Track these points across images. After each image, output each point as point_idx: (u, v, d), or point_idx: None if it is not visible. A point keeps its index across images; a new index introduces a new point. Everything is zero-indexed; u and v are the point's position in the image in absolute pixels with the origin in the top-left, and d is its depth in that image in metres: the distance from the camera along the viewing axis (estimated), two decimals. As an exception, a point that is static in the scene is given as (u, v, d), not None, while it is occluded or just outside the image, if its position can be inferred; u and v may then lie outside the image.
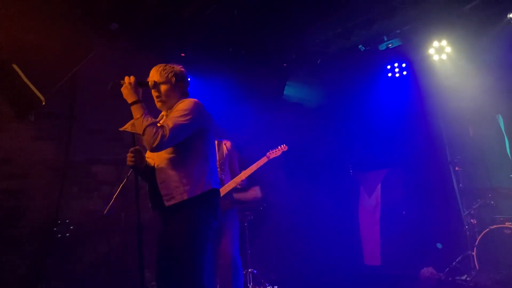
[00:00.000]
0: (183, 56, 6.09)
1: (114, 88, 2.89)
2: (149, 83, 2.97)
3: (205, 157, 2.94)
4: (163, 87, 3.00)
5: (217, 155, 4.23)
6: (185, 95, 3.12)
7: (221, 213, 4.00)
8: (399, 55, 6.64)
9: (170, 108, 3.02)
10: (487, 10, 5.40)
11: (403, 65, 6.74)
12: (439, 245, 6.32)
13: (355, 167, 7.57)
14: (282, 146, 4.59)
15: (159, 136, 2.70)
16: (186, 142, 2.86)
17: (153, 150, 2.77)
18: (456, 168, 5.88)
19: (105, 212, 4.21)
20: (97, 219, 5.42)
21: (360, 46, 6.48)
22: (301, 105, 7.45)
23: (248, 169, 4.40)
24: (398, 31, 6.08)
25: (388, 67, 6.90)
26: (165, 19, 5.25)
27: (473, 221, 5.44)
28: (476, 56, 6.04)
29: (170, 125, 2.77)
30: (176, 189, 2.81)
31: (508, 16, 5.34)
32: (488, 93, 6.13)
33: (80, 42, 5.23)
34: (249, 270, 5.08)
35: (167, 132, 2.73)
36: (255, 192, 5.30)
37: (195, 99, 2.99)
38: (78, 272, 5.35)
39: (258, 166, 4.47)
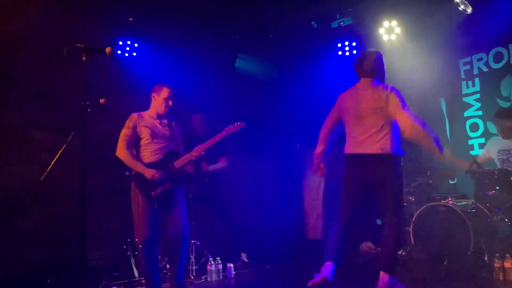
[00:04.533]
0: (131, 20, 5.87)
1: (70, 52, 2.77)
2: (106, 50, 2.87)
3: None
4: None
5: (168, 131, 4.23)
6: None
7: (172, 185, 4.01)
8: (350, 33, 6.69)
9: None
10: (436, -8, 5.53)
11: (354, 44, 6.81)
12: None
13: (303, 143, 7.65)
14: (240, 122, 4.56)
15: None
16: None
17: None
18: (399, 148, 6.05)
19: (42, 178, 4.03)
20: (35, 187, 5.19)
21: (312, 23, 6.49)
22: (252, 79, 7.40)
23: (205, 143, 4.33)
24: (351, 9, 6.13)
25: (339, 45, 6.94)
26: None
27: (411, 198, 5.65)
28: (423, 38, 6.18)
29: None
30: None
31: (454, 0, 5.47)
32: (433, 76, 6.31)
33: (20, 1, 4.92)
34: (192, 241, 5.06)
35: None
36: (224, 162, 5.65)
37: None
38: (13, 241, 5.14)
39: (216, 140, 4.41)
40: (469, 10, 5.48)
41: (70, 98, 5.34)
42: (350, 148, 3.95)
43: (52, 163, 4.17)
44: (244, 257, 5.69)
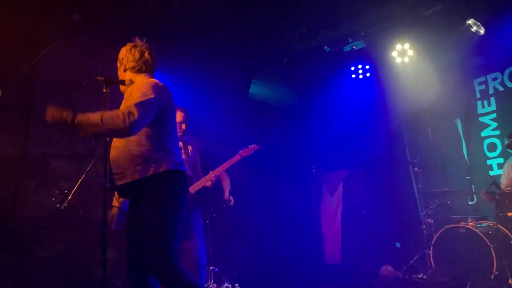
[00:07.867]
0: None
1: (90, 84, 2.85)
2: (126, 82, 2.95)
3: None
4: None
5: (184, 155, 4.20)
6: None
7: (189, 210, 4.01)
8: (363, 57, 6.75)
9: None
10: (447, 15, 5.56)
11: (367, 67, 6.87)
12: (397, 244, 6.46)
13: (318, 167, 7.64)
14: (253, 145, 4.56)
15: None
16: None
17: (127, 130, 2.59)
18: (416, 169, 6.02)
19: (61, 207, 4.08)
20: (54, 215, 5.25)
21: (325, 47, 6.55)
22: (266, 104, 7.47)
23: (219, 167, 4.34)
24: (363, 33, 6.18)
25: (352, 68, 7.00)
26: (129, 10, 5.15)
27: (430, 220, 5.59)
28: (436, 60, 6.21)
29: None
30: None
31: (467, 22, 5.51)
32: (447, 97, 6.32)
33: (40, 33, 5.07)
34: (211, 268, 5.04)
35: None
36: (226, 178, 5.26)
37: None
38: (34, 269, 5.17)
39: (230, 164, 4.42)
40: (482, 31, 5.51)
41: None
42: None
43: (72, 191, 4.25)
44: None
